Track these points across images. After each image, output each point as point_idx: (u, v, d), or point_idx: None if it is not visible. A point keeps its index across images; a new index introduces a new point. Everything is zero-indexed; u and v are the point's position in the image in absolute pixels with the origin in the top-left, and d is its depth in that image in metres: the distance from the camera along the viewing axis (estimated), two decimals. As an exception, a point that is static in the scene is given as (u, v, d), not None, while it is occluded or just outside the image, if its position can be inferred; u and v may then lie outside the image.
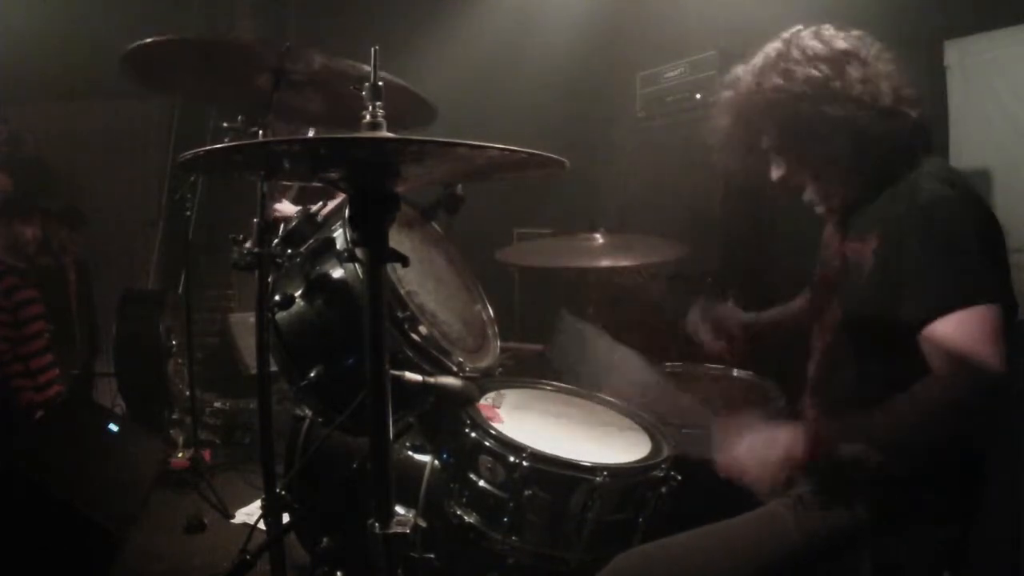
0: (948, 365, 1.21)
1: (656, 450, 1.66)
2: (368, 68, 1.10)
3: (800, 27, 1.45)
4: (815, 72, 1.36)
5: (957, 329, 1.21)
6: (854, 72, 1.36)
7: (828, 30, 1.43)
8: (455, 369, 1.56)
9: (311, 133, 2.21)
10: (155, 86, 1.91)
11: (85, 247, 4.43)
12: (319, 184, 1.47)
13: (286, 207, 2.62)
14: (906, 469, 1.30)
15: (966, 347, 1.19)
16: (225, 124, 1.99)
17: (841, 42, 1.40)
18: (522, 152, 1.00)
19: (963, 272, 1.23)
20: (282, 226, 1.79)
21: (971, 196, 1.31)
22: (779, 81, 1.39)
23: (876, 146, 1.36)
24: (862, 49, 1.39)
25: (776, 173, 1.50)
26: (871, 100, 1.35)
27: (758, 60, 1.46)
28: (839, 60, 1.37)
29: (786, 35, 1.45)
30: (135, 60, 1.73)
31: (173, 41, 1.72)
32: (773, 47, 1.45)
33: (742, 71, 1.49)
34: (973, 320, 1.20)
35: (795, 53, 1.40)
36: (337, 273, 1.53)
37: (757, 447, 1.31)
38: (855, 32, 1.43)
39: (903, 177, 1.35)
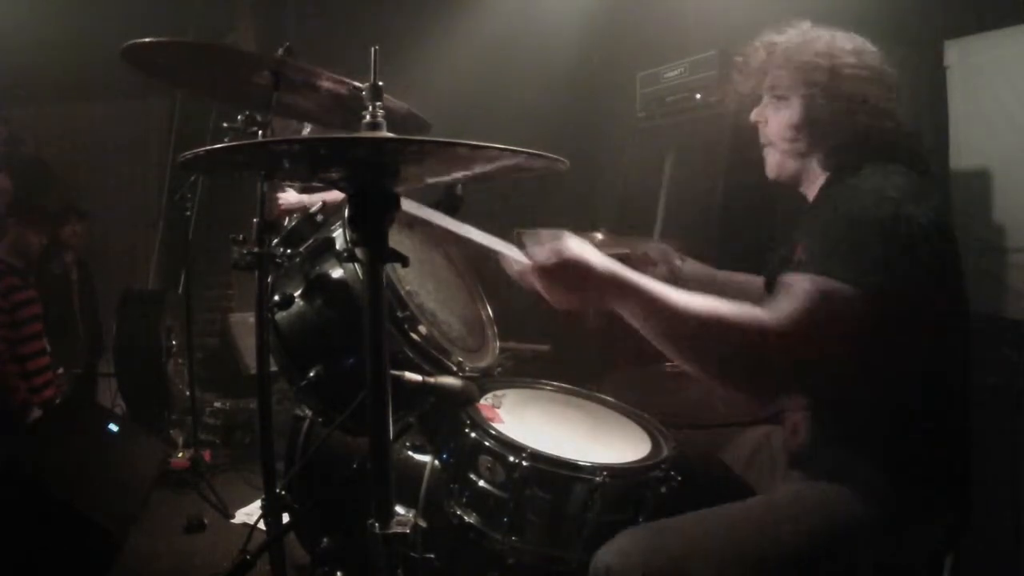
0: (774, 310, 1.23)
1: (656, 450, 1.65)
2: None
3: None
4: (848, 62, 1.45)
5: (800, 287, 1.24)
6: (862, 77, 1.44)
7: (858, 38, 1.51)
8: (455, 369, 1.56)
9: (307, 131, 2.21)
10: (154, 77, 1.91)
11: (86, 246, 4.44)
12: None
13: (291, 196, 2.60)
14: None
15: (799, 305, 1.22)
16: (225, 124, 1.99)
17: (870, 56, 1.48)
18: (522, 152, 1.00)
19: (847, 250, 1.25)
20: (286, 220, 1.78)
21: (897, 198, 1.29)
22: (819, 56, 1.47)
23: (844, 145, 1.46)
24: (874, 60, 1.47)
25: (760, 115, 1.59)
26: (860, 105, 1.43)
27: (800, 34, 1.55)
28: (865, 65, 1.46)
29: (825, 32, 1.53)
30: (133, 57, 1.72)
31: (172, 43, 1.72)
32: (820, 34, 1.52)
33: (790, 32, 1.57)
34: (821, 289, 1.22)
35: (835, 44, 1.48)
36: (337, 273, 1.53)
37: (544, 250, 1.35)
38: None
39: (845, 181, 1.40)
